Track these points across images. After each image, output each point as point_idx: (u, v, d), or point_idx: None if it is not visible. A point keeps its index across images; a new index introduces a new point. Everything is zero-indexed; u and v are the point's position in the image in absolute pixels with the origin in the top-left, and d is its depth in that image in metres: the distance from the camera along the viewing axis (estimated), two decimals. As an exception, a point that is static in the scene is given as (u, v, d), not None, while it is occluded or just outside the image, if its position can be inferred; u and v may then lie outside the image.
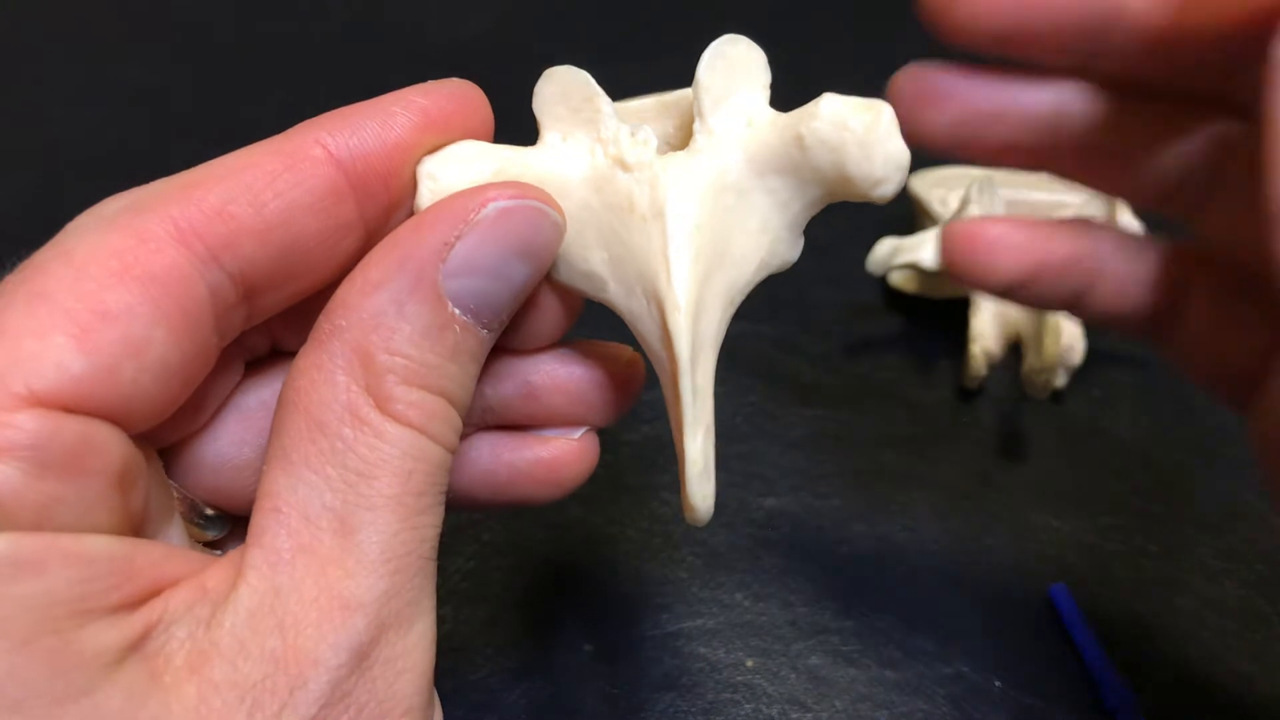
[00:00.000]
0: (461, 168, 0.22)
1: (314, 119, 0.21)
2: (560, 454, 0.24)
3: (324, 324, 0.20)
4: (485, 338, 0.21)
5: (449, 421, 0.21)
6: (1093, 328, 0.42)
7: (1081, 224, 0.26)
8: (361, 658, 0.19)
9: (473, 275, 0.20)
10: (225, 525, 0.24)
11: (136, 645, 0.18)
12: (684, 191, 0.21)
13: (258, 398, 0.24)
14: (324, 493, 0.19)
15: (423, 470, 0.20)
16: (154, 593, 0.19)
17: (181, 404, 0.20)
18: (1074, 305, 0.26)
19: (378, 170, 0.21)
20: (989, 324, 0.42)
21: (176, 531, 0.22)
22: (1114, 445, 0.41)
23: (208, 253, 0.19)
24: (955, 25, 0.24)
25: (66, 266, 0.18)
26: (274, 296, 0.21)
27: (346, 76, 0.61)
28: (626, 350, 0.25)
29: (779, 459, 0.40)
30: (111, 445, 0.19)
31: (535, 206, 0.21)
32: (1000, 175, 0.45)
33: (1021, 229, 0.26)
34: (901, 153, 0.21)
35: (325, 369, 0.20)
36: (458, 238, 0.20)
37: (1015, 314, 0.42)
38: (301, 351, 0.20)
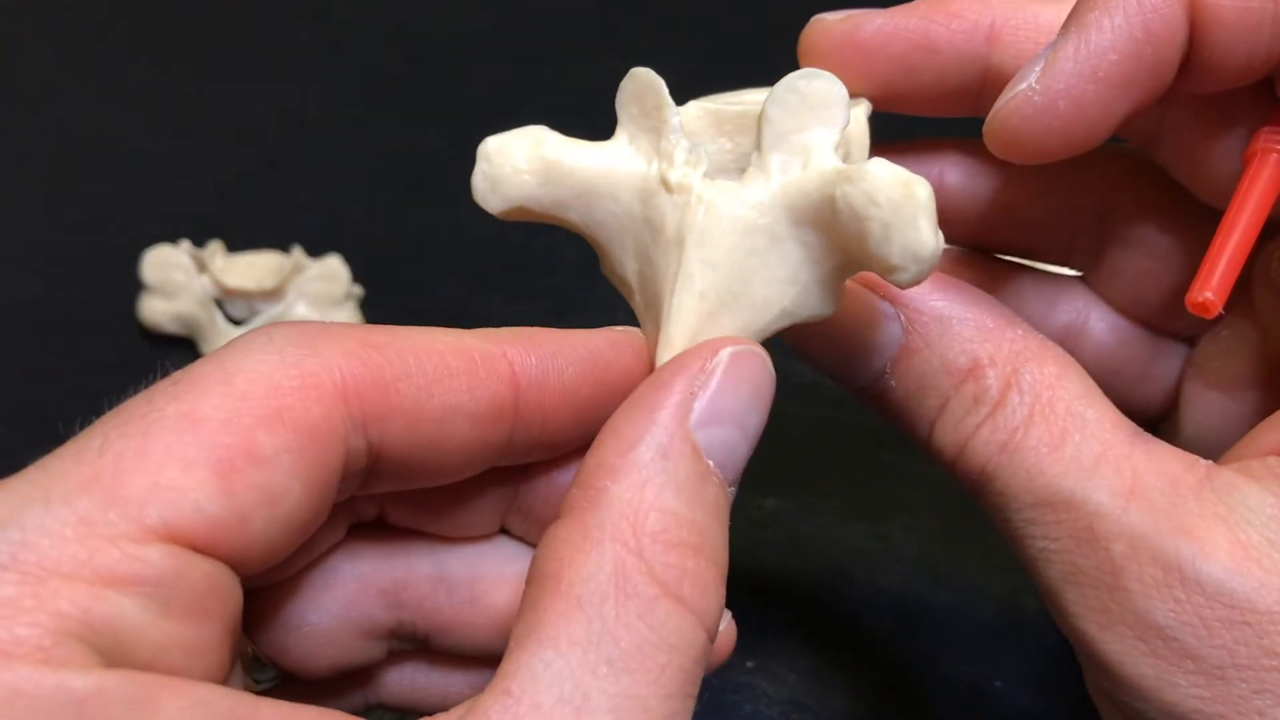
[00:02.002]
0: (515, 157, 0.22)
1: (508, 333, 0.21)
2: None
3: (581, 493, 0.19)
4: (731, 496, 0.20)
5: (718, 598, 0.19)
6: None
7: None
8: None
9: (720, 424, 0.19)
10: (278, 679, 0.23)
11: None
12: (711, 224, 0.21)
13: (353, 569, 0.23)
14: (564, 683, 0.17)
15: (676, 665, 0.17)
16: None
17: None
18: (974, 104, 0.24)
19: (543, 405, 0.21)
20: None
21: (238, 672, 0.21)
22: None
23: (361, 416, 0.19)
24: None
25: (225, 393, 0.18)
26: (391, 480, 0.20)
27: (346, 76, 0.61)
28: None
29: (779, 459, 0.40)
30: (230, 590, 0.18)
31: (759, 353, 0.20)
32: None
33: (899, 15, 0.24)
34: (921, 244, 0.18)
35: (593, 537, 0.18)
36: (700, 387, 0.19)
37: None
38: (558, 524, 0.19)
